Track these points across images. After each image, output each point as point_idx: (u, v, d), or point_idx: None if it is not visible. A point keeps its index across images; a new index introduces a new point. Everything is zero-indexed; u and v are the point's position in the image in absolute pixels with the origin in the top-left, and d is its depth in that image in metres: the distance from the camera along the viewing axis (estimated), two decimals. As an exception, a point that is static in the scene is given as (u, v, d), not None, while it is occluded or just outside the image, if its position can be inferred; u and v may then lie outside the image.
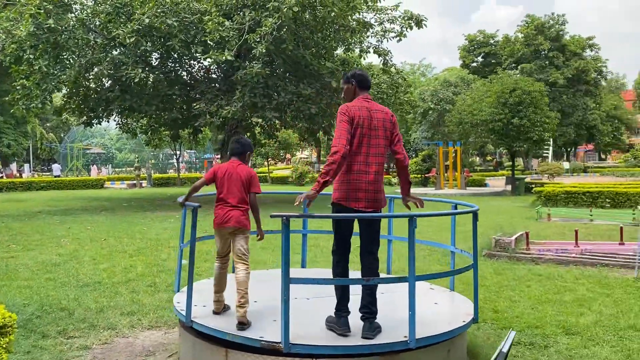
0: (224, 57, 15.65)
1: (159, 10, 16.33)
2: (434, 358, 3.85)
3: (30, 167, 51.93)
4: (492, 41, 53.44)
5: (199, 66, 21.09)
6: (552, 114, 25.38)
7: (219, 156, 45.47)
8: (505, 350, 3.09)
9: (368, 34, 19.86)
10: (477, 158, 59.23)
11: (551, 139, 35.03)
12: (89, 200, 22.79)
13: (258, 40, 15.62)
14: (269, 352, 3.57)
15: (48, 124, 60.50)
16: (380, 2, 19.29)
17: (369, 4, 19.01)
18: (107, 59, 17.15)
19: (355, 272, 4.50)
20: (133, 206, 19.55)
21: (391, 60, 20.22)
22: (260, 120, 19.15)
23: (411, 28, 18.39)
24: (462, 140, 29.40)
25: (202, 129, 22.56)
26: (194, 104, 17.55)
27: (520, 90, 23.91)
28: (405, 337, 3.62)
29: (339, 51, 21.51)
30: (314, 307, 4.39)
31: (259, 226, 4.59)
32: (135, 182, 33.59)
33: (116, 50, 18.26)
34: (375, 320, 3.84)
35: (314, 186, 3.79)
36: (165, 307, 6.03)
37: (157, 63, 19.96)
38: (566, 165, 45.99)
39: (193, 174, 43.78)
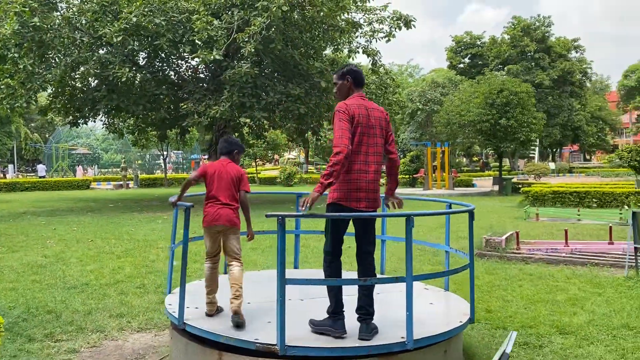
0: (212, 57, 15.53)
1: (146, 9, 16.16)
2: (431, 358, 3.80)
3: (14, 168, 51.25)
4: (478, 42, 53.78)
5: (187, 66, 20.92)
6: (539, 115, 25.57)
7: (206, 156, 45.29)
8: (508, 351, 3.05)
9: (357, 34, 19.84)
10: (464, 159, 59.54)
11: (537, 140, 35.28)
12: (75, 201, 22.51)
13: (247, 39, 15.51)
14: (264, 355, 3.50)
15: (33, 124, 59.75)
16: (369, 2, 19.27)
17: (358, 4, 18.98)
18: (94, 58, 16.93)
19: (347, 273, 4.45)
20: (120, 207, 19.34)
21: (380, 61, 20.23)
22: (248, 120, 19.02)
23: (400, 28, 18.40)
24: (450, 141, 29.50)
25: (189, 129, 22.38)
26: (182, 104, 17.39)
27: (507, 91, 24.05)
28: (403, 337, 3.57)
29: (328, 51, 21.46)
30: (308, 309, 4.32)
31: (249, 225, 4.57)
32: (122, 182, 33.28)
33: (103, 50, 18.05)
34: (372, 321, 3.79)
35: (317, 187, 3.65)
36: (155, 309, 5.93)
37: (144, 62, 19.78)
38: (552, 165, 46.38)
39: (180, 174, 43.48)
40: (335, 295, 3.83)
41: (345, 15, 18.90)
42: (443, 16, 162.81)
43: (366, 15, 19.24)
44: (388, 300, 4.59)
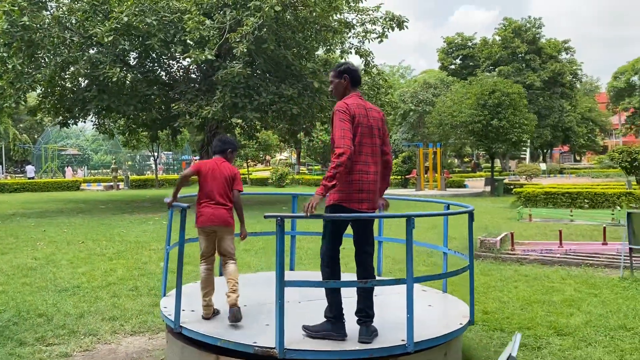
0: (204, 57, 15.43)
1: (137, 9, 16.03)
2: (431, 362, 3.75)
3: (2, 169, 50.73)
4: (470, 44, 53.97)
5: (178, 66, 20.79)
6: (530, 116, 25.68)
7: (197, 157, 45.05)
8: (514, 354, 3.01)
9: (350, 34, 19.81)
10: (456, 160, 59.73)
11: (529, 141, 35.47)
12: (65, 202, 22.29)
13: (239, 39, 15.42)
14: (263, 358, 3.43)
15: (21, 125, 59.18)
16: (362, 2, 19.24)
17: (351, 4, 18.95)
18: (84, 57, 16.77)
19: (344, 275, 4.38)
20: (110, 208, 19.17)
21: (373, 61, 20.21)
22: (240, 121, 18.91)
23: (393, 29, 18.39)
24: (442, 142, 29.56)
25: (181, 129, 22.24)
26: (173, 105, 17.26)
27: (499, 92, 24.14)
28: (403, 340, 3.51)
29: (320, 52, 21.41)
30: (306, 311, 4.25)
31: (243, 225, 4.55)
32: (112, 184, 33.02)
33: (93, 49, 17.89)
34: (372, 324, 3.73)
35: (319, 190, 3.57)
36: (148, 312, 5.84)
37: (135, 62, 19.63)
38: (543, 166, 46.65)
39: (171, 175, 43.24)
40: (335, 299, 3.75)
41: (338, 15, 18.86)
42: (433, 18, 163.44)
43: (359, 15, 19.22)
44: (386, 302, 4.54)
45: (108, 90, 17.70)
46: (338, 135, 3.64)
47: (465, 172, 47.83)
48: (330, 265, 3.83)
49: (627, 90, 55.58)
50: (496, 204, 20.23)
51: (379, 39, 18.84)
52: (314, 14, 16.81)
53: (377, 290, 4.76)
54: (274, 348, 3.37)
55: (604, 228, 9.80)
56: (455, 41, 54.24)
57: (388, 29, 18.43)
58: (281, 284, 3.35)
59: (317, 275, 5.89)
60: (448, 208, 4.74)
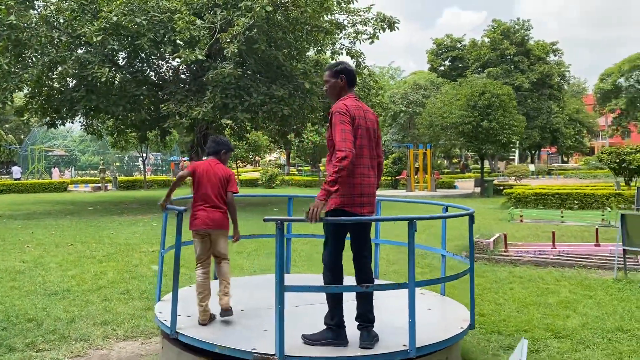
0: (194, 57, 15.29)
1: (126, 9, 15.86)
2: (432, 366, 3.69)
3: (-12, 170, 50.01)
4: (459, 45, 54.20)
5: (168, 66, 20.61)
6: (520, 117, 25.80)
7: (186, 158, 44.74)
8: (524, 360, 2.96)
9: (340, 35, 19.76)
10: (445, 161, 59.92)
11: (518, 142, 35.69)
12: (52, 204, 22.01)
13: (229, 40, 15.30)
14: (262, 365, 3.35)
15: (7, 125, 58.45)
16: (353, 3, 19.20)
17: (342, 5, 18.89)
18: (72, 57, 16.55)
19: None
20: (99, 210, 18.95)
21: (364, 62, 20.18)
22: (230, 121, 18.79)
23: (384, 30, 18.36)
24: (433, 143, 29.61)
25: (170, 130, 22.04)
26: (163, 105, 17.08)
27: (489, 93, 24.22)
28: (405, 345, 3.45)
29: (311, 52, 21.33)
30: (304, 316, 4.18)
31: (236, 227, 4.52)
32: (100, 185, 32.68)
33: (81, 49, 17.66)
34: (373, 329, 3.66)
35: (321, 195, 3.47)
36: (140, 316, 5.74)
37: (124, 63, 19.42)
38: (531, 167, 46.94)
39: (159, 176, 42.90)
40: (337, 306, 3.68)
41: (329, 16, 18.81)
42: (421, 19, 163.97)
43: (350, 16, 19.17)
44: (383, 305, 4.47)
45: (96, 90, 17.48)
46: (339, 138, 3.54)
47: (454, 173, 47.99)
48: (334, 271, 3.75)
49: (613, 92, 56.08)
50: (486, 205, 20.29)
51: (370, 40, 18.81)
52: (305, 14, 16.73)
53: (375, 293, 4.71)
54: (274, 354, 3.30)
55: (597, 229, 9.84)
56: (445, 43, 54.44)
57: (379, 29, 18.41)
58: (281, 288, 3.27)
59: (313, 278, 5.84)
60: (446, 210, 4.69)
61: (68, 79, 18.49)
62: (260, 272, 7.88)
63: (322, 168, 43.94)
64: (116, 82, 17.96)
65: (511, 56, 49.03)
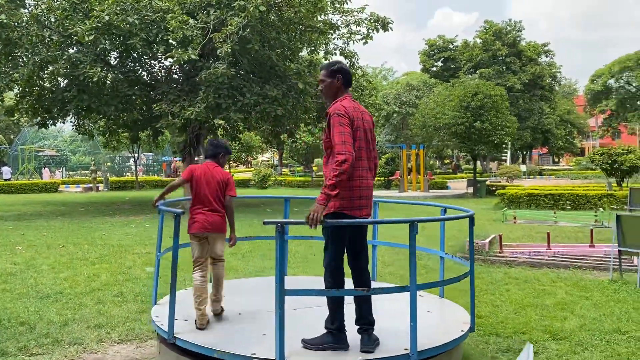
0: (187, 56, 15.18)
1: (119, 8, 15.72)
2: (433, 370, 3.65)
3: (-23, 170, 49.47)
4: (451, 46, 54.35)
5: (160, 66, 20.46)
6: (512, 118, 25.90)
7: (178, 159, 44.51)
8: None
9: (334, 35, 19.71)
10: (437, 161, 60.08)
11: (509, 142, 35.84)
12: (43, 204, 21.81)
13: (223, 39, 15.21)
14: (262, 370, 3.30)
15: (-3, 125, 57.92)
16: (346, 4, 19.16)
17: (336, 5, 18.84)
18: (64, 57, 16.38)
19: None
20: (91, 211, 18.79)
21: (357, 62, 20.15)
22: (223, 122, 18.68)
23: (377, 30, 18.33)
24: (426, 144, 29.66)
25: (162, 130, 21.90)
26: (155, 105, 16.95)
27: (481, 94, 24.29)
28: (406, 349, 3.41)
29: (304, 52, 21.27)
30: (303, 319, 4.13)
31: (233, 231, 4.51)
32: (91, 185, 32.43)
33: (73, 49, 17.49)
34: (373, 332, 3.62)
35: (321, 199, 3.41)
36: (135, 319, 5.65)
37: (116, 62, 19.26)
38: (523, 167, 47.14)
39: (151, 177, 42.66)
40: (338, 309, 3.63)
41: (323, 16, 18.75)
42: (413, 20, 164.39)
43: (343, 17, 19.13)
44: (382, 308, 4.43)
45: (88, 90, 17.32)
46: (338, 140, 3.49)
47: (446, 174, 48.13)
48: (335, 276, 3.70)
49: (603, 93, 56.41)
50: (479, 205, 20.32)
51: (364, 41, 18.78)
52: (299, 14, 16.66)
53: (373, 296, 4.67)
54: (274, 359, 3.24)
55: (591, 230, 9.86)
56: (437, 43, 54.59)
57: (373, 30, 18.38)
58: (281, 292, 3.22)
59: (310, 280, 5.78)
60: (445, 212, 4.66)
61: (59, 78, 18.32)
62: (255, 274, 7.82)
63: (314, 169, 43.89)
64: (108, 82, 17.80)
65: (503, 57, 49.22)
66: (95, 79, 15.72)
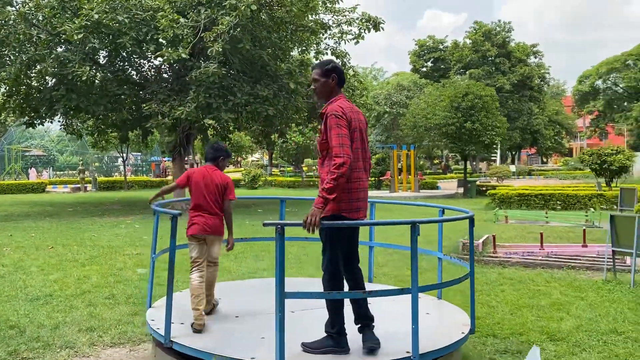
0: (177, 55, 15.04)
1: (108, 6, 15.55)
2: (434, 373, 3.60)
3: (-37, 171, 48.86)
4: (441, 47, 54.55)
5: (150, 65, 20.28)
6: (502, 119, 26.01)
7: (167, 159, 44.20)
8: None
9: (325, 35, 19.65)
10: (427, 161, 60.26)
11: (499, 143, 36.00)
12: (31, 205, 21.54)
13: (213, 39, 15.09)
14: (262, 374, 3.23)
15: (-17, 125, 57.21)
16: (338, 3, 19.12)
17: (327, 5, 18.79)
18: (52, 55, 16.16)
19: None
20: (79, 211, 18.58)
21: (349, 62, 20.11)
22: (213, 121, 18.55)
23: (369, 30, 18.31)
24: (416, 144, 29.70)
25: (152, 130, 21.72)
26: (145, 105, 16.79)
27: (472, 94, 24.36)
28: (408, 352, 3.36)
29: (295, 52, 21.19)
30: (302, 321, 4.06)
31: (230, 234, 4.49)
32: (79, 185, 32.10)
33: (61, 47, 17.26)
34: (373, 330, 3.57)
35: (318, 203, 3.35)
36: (127, 322, 5.56)
37: (105, 61, 19.05)
38: (512, 168, 47.38)
39: (140, 177, 42.33)
40: (338, 312, 3.57)
41: (314, 16, 18.69)
42: (402, 21, 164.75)
43: (335, 16, 19.08)
44: (381, 311, 4.37)
45: (77, 89, 17.10)
46: (336, 142, 3.42)
47: (436, 174, 48.27)
48: (334, 279, 3.65)
49: (591, 93, 56.88)
50: (470, 205, 20.35)
51: (355, 40, 18.75)
52: (290, 14, 16.59)
53: (371, 299, 4.61)
54: (274, 363, 3.17)
55: (584, 230, 9.88)
56: (427, 44, 54.77)
57: (364, 30, 18.35)
58: (282, 295, 3.16)
59: (306, 282, 5.72)
60: (443, 212, 4.62)
61: (47, 77, 18.08)
62: (248, 275, 7.75)
63: (305, 169, 43.79)
64: (97, 81, 17.61)
65: (492, 58, 49.48)
66: (84, 78, 15.53)
